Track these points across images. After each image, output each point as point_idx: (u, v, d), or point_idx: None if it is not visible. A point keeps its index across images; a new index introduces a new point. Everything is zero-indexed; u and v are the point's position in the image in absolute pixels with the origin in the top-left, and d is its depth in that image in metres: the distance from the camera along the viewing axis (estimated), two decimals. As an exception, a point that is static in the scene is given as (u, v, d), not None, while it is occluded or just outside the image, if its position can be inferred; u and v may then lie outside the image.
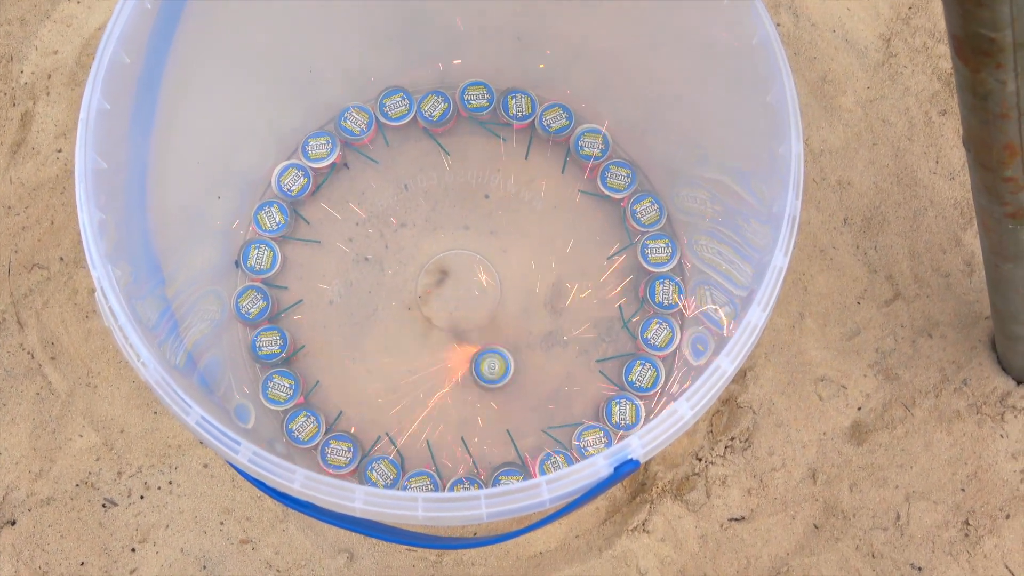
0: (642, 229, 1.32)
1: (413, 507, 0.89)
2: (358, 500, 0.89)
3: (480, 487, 1.10)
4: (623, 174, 1.34)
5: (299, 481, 0.90)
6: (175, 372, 0.95)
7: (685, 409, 0.92)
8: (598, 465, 0.90)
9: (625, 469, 0.91)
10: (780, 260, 0.95)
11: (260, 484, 0.95)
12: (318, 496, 0.90)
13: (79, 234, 1.33)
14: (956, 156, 1.37)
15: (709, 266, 1.23)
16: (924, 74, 1.41)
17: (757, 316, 0.94)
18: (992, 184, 0.95)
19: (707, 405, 0.93)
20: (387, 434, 1.26)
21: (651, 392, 1.26)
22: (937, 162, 1.37)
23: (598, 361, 1.28)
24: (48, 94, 1.40)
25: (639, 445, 0.91)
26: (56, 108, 1.39)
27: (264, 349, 1.27)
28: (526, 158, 1.36)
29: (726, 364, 0.93)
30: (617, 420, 1.25)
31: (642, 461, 0.91)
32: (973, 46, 0.77)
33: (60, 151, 1.38)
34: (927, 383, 1.31)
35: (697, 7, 1.11)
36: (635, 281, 1.31)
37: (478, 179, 1.35)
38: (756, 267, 1.03)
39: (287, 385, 1.26)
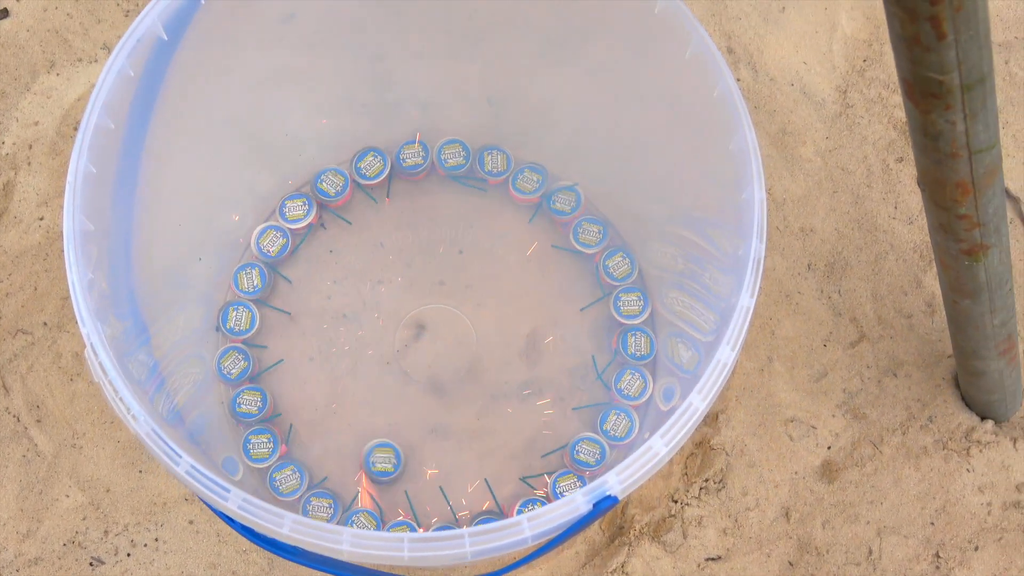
0: (614, 283, 1.35)
1: (399, 547, 0.91)
2: (345, 543, 0.92)
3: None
4: (595, 230, 1.37)
5: (288, 526, 0.93)
6: (164, 424, 0.97)
7: (660, 446, 0.95)
8: (577, 502, 0.93)
9: (604, 505, 0.93)
10: (747, 300, 0.99)
11: (248, 533, 0.97)
12: (306, 540, 0.92)
13: (62, 299, 1.37)
14: (914, 201, 1.42)
15: (679, 317, 1.27)
16: (880, 123, 1.46)
17: (726, 355, 0.98)
18: (947, 222, 0.99)
19: (681, 442, 0.96)
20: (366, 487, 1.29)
21: (626, 441, 1.29)
22: (896, 207, 1.42)
23: (575, 409, 1.31)
24: (29, 164, 1.43)
25: (616, 482, 0.94)
26: (37, 177, 1.42)
27: (243, 407, 1.30)
28: (500, 213, 1.40)
29: (698, 401, 0.96)
30: (583, 458, 1.28)
31: (620, 497, 0.94)
32: (922, 89, 0.82)
33: (42, 219, 1.41)
34: (894, 421, 1.34)
35: (660, 64, 1.15)
36: (608, 333, 1.35)
37: (452, 235, 1.38)
38: (722, 312, 1.07)
39: (265, 440, 1.29)
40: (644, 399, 1.31)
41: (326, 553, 0.93)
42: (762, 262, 1.00)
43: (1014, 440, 1.33)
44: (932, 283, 1.38)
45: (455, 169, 1.40)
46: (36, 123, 1.45)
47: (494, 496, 1.29)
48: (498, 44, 1.30)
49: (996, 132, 0.88)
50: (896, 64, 0.81)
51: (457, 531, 0.91)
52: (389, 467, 1.28)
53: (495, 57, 1.32)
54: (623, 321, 1.34)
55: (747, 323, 0.99)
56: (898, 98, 1.46)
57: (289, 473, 1.28)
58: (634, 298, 1.34)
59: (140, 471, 1.32)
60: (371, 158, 1.39)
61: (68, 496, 1.31)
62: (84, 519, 1.31)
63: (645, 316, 1.34)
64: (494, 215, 1.40)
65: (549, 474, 1.29)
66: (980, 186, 0.93)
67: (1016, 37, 1.50)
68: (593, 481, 0.94)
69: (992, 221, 0.98)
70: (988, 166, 0.91)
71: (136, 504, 1.31)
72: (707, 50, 1.07)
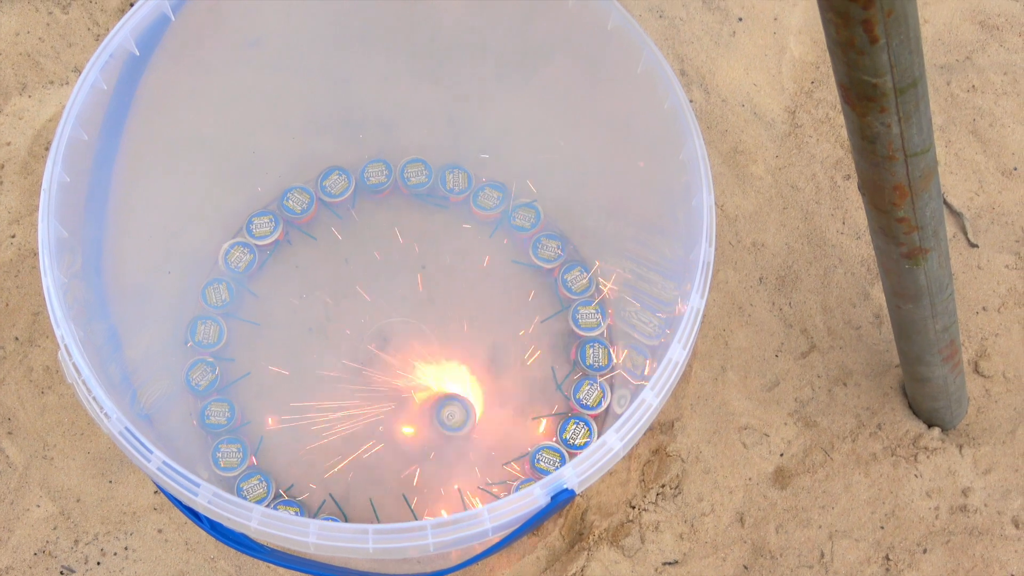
0: (573, 297, 1.39)
1: (364, 539, 0.94)
2: (312, 535, 0.94)
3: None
4: (554, 245, 1.41)
5: (256, 519, 0.95)
6: (137, 421, 1.00)
7: (615, 441, 0.98)
8: (536, 495, 0.96)
9: (561, 498, 0.96)
10: (697, 302, 1.03)
11: (217, 531, 1.00)
12: (274, 533, 0.95)
13: (33, 315, 1.40)
14: (861, 217, 1.47)
15: (634, 328, 1.31)
16: (828, 142, 1.51)
17: (678, 353, 1.01)
18: (887, 226, 1.03)
19: (636, 438, 0.99)
20: (331, 495, 1.32)
21: (585, 449, 1.32)
22: (844, 223, 1.47)
23: (533, 419, 1.35)
24: (1, 183, 1.46)
25: (573, 475, 0.97)
26: (9, 196, 1.45)
27: (212, 419, 1.33)
28: (462, 230, 1.44)
29: (651, 398, 1.00)
30: (544, 466, 1.31)
31: (577, 491, 0.97)
32: (858, 92, 0.86)
33: (14, 236, 1.43)
34: (844, 429, 1.38)
35: (612, 81, 1.20)
36: (567, 344, 1.38)
37: (415, 251, 1.42)
38: (673, 318, 1.11)
39: (235, 451, 1.31)
40: (602, 408, 1.34)
41: (293, 547, 0.96)
42: (711, 265, 1.04)
43: (960, 446, 1.37)
44: (879, 296, 1.43)
45: (418, 187, 1.44)
46: (8, 143, 1.48)
47: (411, 508, 1.31)
48: (458, 66, 1.35)
49: (930, 136, 0.92)
50: (833, 69, 0.86)
51: (420, 523, 0.94)
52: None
53: (456, 79, 1.36)
54: (582, 333, 1.38)
55: (698, 323, 1.02)
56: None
57: (256, 483, 1.30)
58: (592, 311, 1.38)
59: (110, 481, 1.34)
60: (336, 176, 1.43)
61: (39, 506, 1.34)
62: (55, 529, 1.33)
63: (602, 328, 1.38)
64: (456, 232, 1.43)
65: (511, 482, 1.32)
66: (916, 189, 0.97)
67: (957, 60, 1.56)
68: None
69: (930, 224, 1.03)
70: (923, 169, 0.95)
71: (106, 514, 1.34)
72: (658, 65, 1.12)
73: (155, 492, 1.34)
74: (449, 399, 1.34)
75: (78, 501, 1.34)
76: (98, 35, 1.53)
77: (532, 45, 1.27)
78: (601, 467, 0.98)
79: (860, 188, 1.01)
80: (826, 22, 0.81)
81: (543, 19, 1.22)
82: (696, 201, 1.07)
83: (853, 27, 0.79)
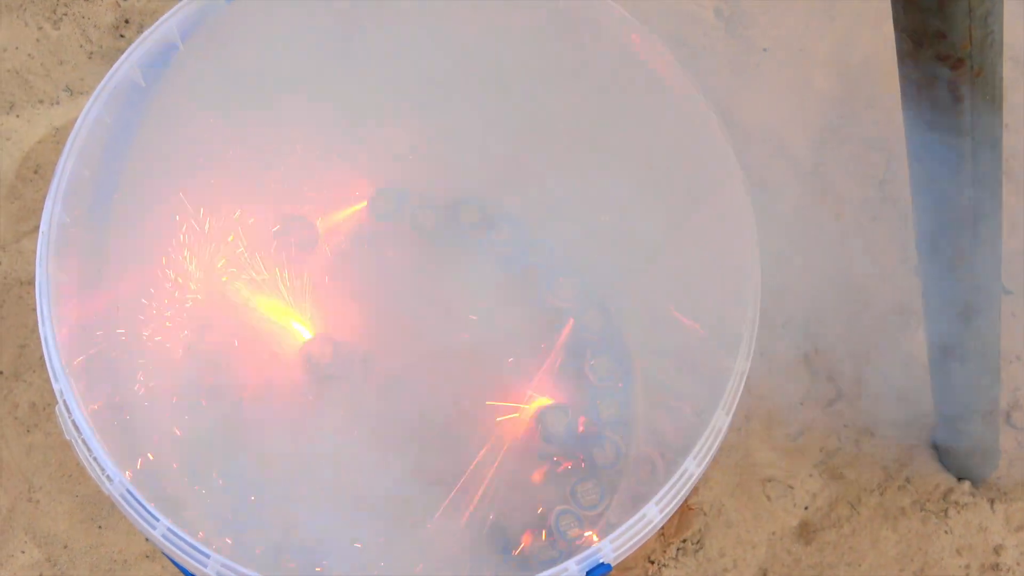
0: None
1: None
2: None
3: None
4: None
5: (269, 594, 0.90)
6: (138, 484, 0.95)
7: (654, 512, 0.94)
8: (571, 571, 0.91)
9: (596, 573, 0.92)
10: (742, 365, 0.99)
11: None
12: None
13: (19, 348, 1.34)
14: (890, 259, 1.42)
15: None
16: (855, 180, 1.46)
17: (721, 419, 0.97)
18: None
19: (675, 507, 0.95)
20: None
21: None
22: (873, 264, 1.42)
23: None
24: (-14, 207, 1.40)
25: (610, 549, 0.92)
26: (-6, 221, 1.39)
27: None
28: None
29: (692, 467, 0.95)
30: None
31: (613, 564, 0.93)
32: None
33: (-1, 264, 1.37)
34: (871, 481, 1.34)
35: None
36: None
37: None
38: (711, 379, 1.06)
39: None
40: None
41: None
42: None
43: (991, 501, 1.33)
44: (908, 341, 1.38)
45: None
46: (-6, 165, 1.42)
47: None
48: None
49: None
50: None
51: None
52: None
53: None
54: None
55: (741, 388, 0.98)
56: (874, 156, 1.47)
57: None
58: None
59: (100, 527, 1.29)
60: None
61: (23, 552, 1.28)
62: (40, 577, 1.27)
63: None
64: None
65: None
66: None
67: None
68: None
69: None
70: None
71: (95, 561, 1.28)
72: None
73: (147, 539, 1.28)
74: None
75: (65, 547, 1.28)
76: (91, 52, 1.47)
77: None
78: (639, 540, 0.94)
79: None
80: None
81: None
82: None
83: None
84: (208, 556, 0.91)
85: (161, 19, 1.07)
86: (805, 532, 1.32)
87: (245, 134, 1.25)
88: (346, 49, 1.23)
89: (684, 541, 1.30)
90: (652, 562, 1.29)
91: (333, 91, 1.27)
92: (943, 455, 1.33)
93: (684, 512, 1.31)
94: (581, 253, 1.35)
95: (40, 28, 1.47)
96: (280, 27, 1.18)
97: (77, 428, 0.94)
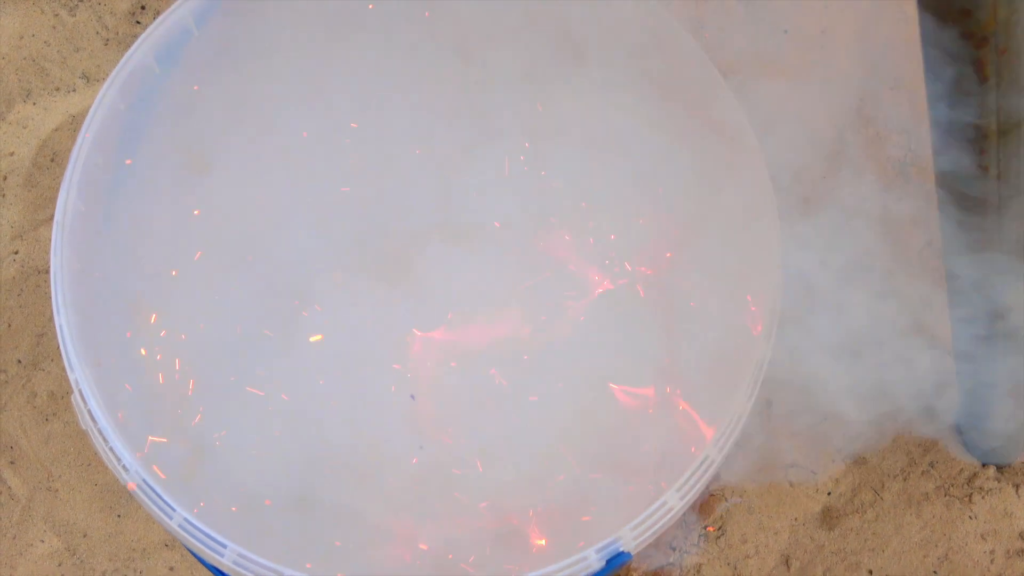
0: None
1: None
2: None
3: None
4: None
5: (286, 583, 0.89)
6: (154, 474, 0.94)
7: (675, 500, 0.93)
8: (590, 559, 0.90)
9: (617, 562, 0.91)
10: (763, 351, 0.97)
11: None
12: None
13: (37, 336, 1.33)
14: (913, 245, 1.40)
15: None
16: (876, 163, 1.44)
17: (742, 405, 0.96)
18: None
19: (695, 495, 0.94)
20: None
21: None
22: (892, 249, 1.40)
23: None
24: (4, 196, 1.38)
25: (630, 537, 0.91)
26: (12, 210, 1.38)
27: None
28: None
29: (714, 453, 0.94)
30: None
31: (633, 553, 0.92)
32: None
33: (17, 253, 1.36)
34: (895, 467, 1.32)
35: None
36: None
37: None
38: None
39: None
40: None
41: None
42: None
43: (1016, 486, 1.31)
44: (932, 323, 1.36)
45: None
46: (11, 153, 1.40)
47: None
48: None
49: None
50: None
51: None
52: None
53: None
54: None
55: (762, 375, 0.97)
56: (897, 137, 1.45)
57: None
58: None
59: (119, 515, 1.28)
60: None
61: (43, 541, 1.27)
62: (59, 565, 1.26)
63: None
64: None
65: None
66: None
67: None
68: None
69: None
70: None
71: (114, 550, 1.27)
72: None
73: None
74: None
75: (85, 536, 1.27)
76: (107, 39, 1.45)
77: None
78: (660, 528, 0.93)
79: None
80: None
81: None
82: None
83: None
84: (225, 546, 0.90)
85: (174, 5, 1.06)
86: (828, 518, 1.30)
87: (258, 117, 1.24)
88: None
89: (705, 527, 1.29)
90: (674, 548, 1.28)
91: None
92: (967, 440, 1.32)
93: (706, 497, 1.30)
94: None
95: (56, 15, 1.46)
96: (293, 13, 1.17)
97: (93, 418, 0.93)
